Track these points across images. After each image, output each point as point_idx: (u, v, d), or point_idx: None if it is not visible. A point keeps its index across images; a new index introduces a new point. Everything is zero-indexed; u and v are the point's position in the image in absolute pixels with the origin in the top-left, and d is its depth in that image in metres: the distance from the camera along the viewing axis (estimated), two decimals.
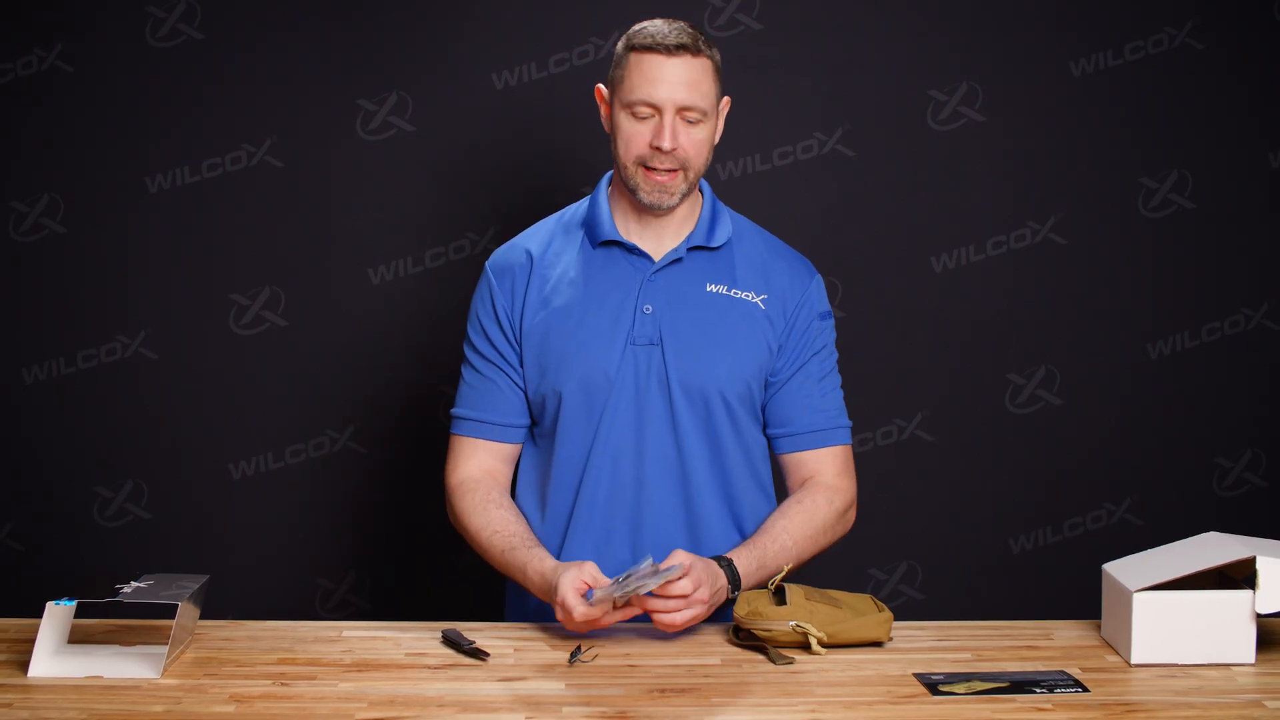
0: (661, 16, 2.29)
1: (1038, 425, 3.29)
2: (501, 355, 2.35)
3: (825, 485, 2.36)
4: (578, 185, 3.08)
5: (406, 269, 3.22)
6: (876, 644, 2.12)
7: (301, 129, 3.19)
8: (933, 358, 3.29)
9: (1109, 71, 3.23)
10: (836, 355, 2.42)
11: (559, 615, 2.12)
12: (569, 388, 2.30)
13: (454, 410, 2.39)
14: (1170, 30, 3.22)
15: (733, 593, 2.18)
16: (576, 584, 2.09)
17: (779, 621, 2.07)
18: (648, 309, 2.31)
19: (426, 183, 3.22)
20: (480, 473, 2.37)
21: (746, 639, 2.11)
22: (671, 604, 2.08)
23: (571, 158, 3.18)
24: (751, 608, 2.11)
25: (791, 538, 2.28)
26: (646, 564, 2.06)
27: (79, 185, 3.17)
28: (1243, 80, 3.26)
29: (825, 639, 2.07)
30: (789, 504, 2.34)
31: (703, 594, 2.10)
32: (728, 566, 2.20)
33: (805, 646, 2.07)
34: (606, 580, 2.10)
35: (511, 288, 2.36)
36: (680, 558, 2.11)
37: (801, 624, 2.06)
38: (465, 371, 2.39)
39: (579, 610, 2.07)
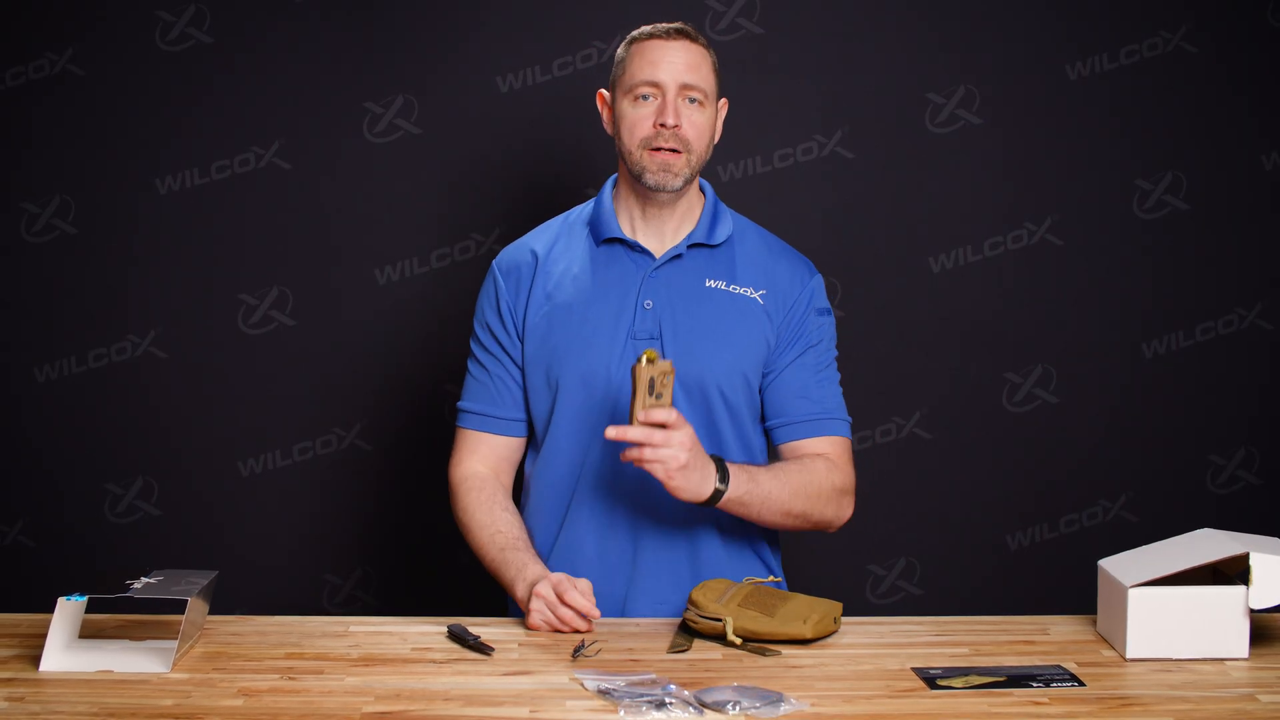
0: (663, 18, 2.34)
1: (1035, 423, 3.30)
2: (505, 352, 2.39)
3: (827, 460, 2.36)
4: (581, 186, 3.09)
5: (412, 269, 3.23)
6: (804, 641, 2.12)
7: (309, 131, 3.20)
8: (931, 357, 3.30)
9: (1105, 75, 3.24)
10: (836, 354, 2.43)
11: (530, 612, 2.19)
12: (570, 381, 2.33)
13: (460, 404, 2.44)
14: (1165, 34, 3.23)
15: (721, 483, 2.19)
16: (560, 587, 2.16)
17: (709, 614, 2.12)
18: (648, 304, 2.33)
19: (432, 184, 3.24)
20: (485, 469, 2.41)
21: (690, 632, 2.15)
22: (656, 435, 2.11)
23: (575, 159, 3.20)
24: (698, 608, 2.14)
25: (784, 479, 2.29)
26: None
27: (89, 187, 3.18)
28: (1237, 83, 3.27)
29: (740, 630, 2.10)
30: (788, 461, 2.36)
31: (684, 440, 2.13)
32: (717, 460, 2.22)
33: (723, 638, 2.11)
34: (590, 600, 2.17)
35: (517, 285, 2.39)
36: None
37: (710, 613, 2.11)
38: (471, 366, 2.44)
39: (546, 605, 2.16)
